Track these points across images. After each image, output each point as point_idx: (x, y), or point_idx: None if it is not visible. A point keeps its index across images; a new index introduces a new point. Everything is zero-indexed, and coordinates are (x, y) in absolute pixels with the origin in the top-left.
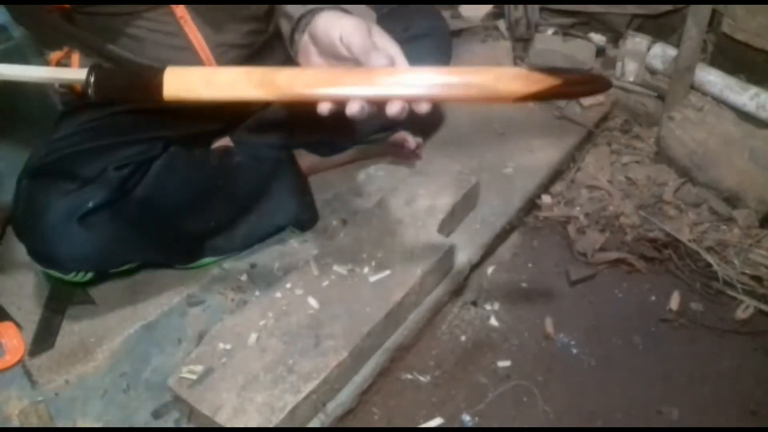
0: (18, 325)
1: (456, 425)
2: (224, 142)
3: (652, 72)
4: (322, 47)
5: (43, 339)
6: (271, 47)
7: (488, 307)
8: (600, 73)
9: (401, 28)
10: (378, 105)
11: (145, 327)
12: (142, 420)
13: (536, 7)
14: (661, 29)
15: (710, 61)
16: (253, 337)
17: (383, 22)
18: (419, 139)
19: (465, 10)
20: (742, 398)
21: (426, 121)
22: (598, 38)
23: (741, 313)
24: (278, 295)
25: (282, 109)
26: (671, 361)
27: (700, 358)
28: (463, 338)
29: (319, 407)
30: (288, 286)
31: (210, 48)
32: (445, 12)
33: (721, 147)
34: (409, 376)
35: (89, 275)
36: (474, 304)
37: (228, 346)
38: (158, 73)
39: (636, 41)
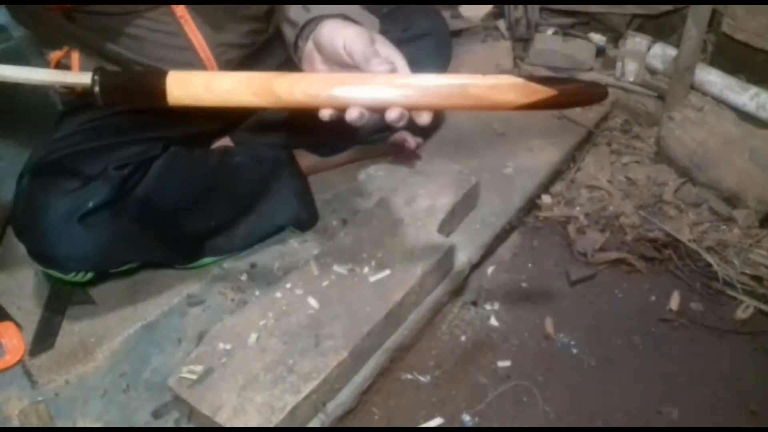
0: (18, 325)
1: (456, 425)
2: (224, 142)
3: (652, 72)
4: (326, 55)
5: (43, 339)
6: (271, 47)
7: (488, 307)
8: (597, 82)
9: (401, 28)
10: (377, 111)
11: (145, 327)
12: (142, 420)
13: (536, 7)
14: (661, 29)
15: (710, 61)
16: (253, 337)
17: (383, 22)
18: (419, 139)
19: (465, 10)
20: (742, 398)
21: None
22: (598, 38)
23: (741, 313)
24: (278, 295)
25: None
26: (671, 361)
27: (700, 358)
28: (463, 338)
29: (319, 407)
30: (288, 286)
31: (210, 48)
32: (445, 12)
33: (721, 147)
34: (409, 376)
35: (89, 275)
36: (474, 304)
37: (228, 346)
38: (161, 77)
39: (636, 41)
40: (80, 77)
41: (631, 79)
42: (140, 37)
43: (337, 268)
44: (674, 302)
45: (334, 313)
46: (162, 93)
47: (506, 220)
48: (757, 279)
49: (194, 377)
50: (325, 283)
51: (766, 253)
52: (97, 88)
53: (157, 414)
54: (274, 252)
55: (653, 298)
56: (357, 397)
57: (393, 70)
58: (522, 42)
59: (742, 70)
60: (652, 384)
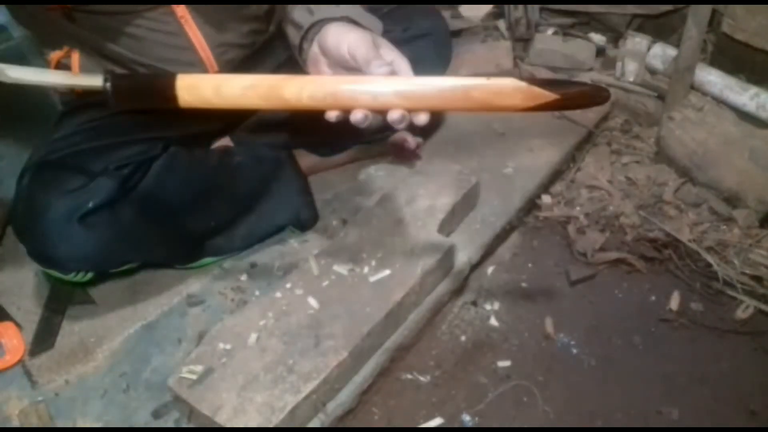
0: (18, 325)
1: (456, 425)
2: (224, 142)
3: (652, 72)
4: (331, 58)
5: (43, 339)
6: (270, 47)
7: (488, 307)
8: (599, 84)
9: (401, 28)
10: (383, 113)
11: (145, 327)
12: (142, 420)
13: (536, 7)
14: (661, 29)
15: (710, 61)
16: (253, 337)
17: (383, 21)
18: (419, 139)
19: (465, 10)
20: (742, 398)
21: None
22: (598, 38)
23: (741, 313)
24: (278, 295)
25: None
26: (671, 361)
27: (700, 358)
28: (463, 338)
29: (319, 407)
30: (288, 286)
31: (210, 48)
32: (445, 12)
33: (721, 147)
34: (409, 376)
35: (89, 275)
36: (474, 304)
37: (228, 346)
38: (171, 81)
39: (636, 41)
40: (92, 80)
41: (631, 79)
42: (140, 37)
43: (337, 268)
44: (674, 302)
45: (334, 313)
46: (173, 96)
47: (506, 220)
48: (757, 279)
49: (194, 377)
50: (325, 283)
51: (766, 253)
52: (109, 91)
53: (157, 414)
54: (274, 252)
55: (653, 298)
56: (357, 397)
57: (392, 71)
58: (522, 42)
59: (742, 70)
60: (652, 384)
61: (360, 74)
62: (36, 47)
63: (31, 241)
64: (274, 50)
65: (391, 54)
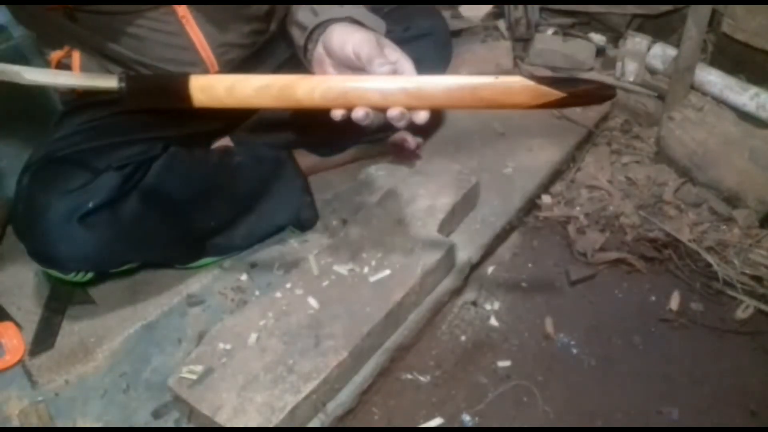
0: (18, 325)
1: (456, 425)
2: (224, 142)
3: (652, 72)
4: (336, 59)
5: (43, 339)
6: (271, 47)
7: (488, 307)
8: (605, 82)
9: (401, 27)
10: (382, 109)
11: (145, 327)
12: (142, 420)
13: (536, 7)
14: (661, 29)
15: (710, 61)
16: (253, 337)
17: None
18: (419, 139)
19: (465, 10)
20: (742, 398)
21: (427, 122)
22: (598, 38)
23: (741, 313)
24: (278, 295)
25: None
26: (671, 361)
27: (700, 358)
28: (463, 338)
29: (319, 407)
30: (288, 286)
31: (211, 48)
32: (445, 12)
33: (721, 147)
34: (409, 376)
35: (89, 275)
36: (474, 304)
37: (228, 346)
38: (185, 81)
39: (636, 41)
40: (107, 81)
41: (631, 79)
42: (142, 37)
43: (337, 268)
44: (674, 302)
45: (334, 313)
46: (187, 96)
47: (506, 220)
48: (757, 279)
49: (194, 377)
50: (325, 283)
51: (766, 253)
52: (125, 92)
53: (157, 414)
54: (274, 252)
55: (653, 298)
56: (357, 397)
57: (394, 70)
58: (522, 42)
59: (742, 70)
60: (652, 384)
61: (365, 74)
62: (36, 47)
63: (31, 240)
64: (275, 50)
65: (394, 54)
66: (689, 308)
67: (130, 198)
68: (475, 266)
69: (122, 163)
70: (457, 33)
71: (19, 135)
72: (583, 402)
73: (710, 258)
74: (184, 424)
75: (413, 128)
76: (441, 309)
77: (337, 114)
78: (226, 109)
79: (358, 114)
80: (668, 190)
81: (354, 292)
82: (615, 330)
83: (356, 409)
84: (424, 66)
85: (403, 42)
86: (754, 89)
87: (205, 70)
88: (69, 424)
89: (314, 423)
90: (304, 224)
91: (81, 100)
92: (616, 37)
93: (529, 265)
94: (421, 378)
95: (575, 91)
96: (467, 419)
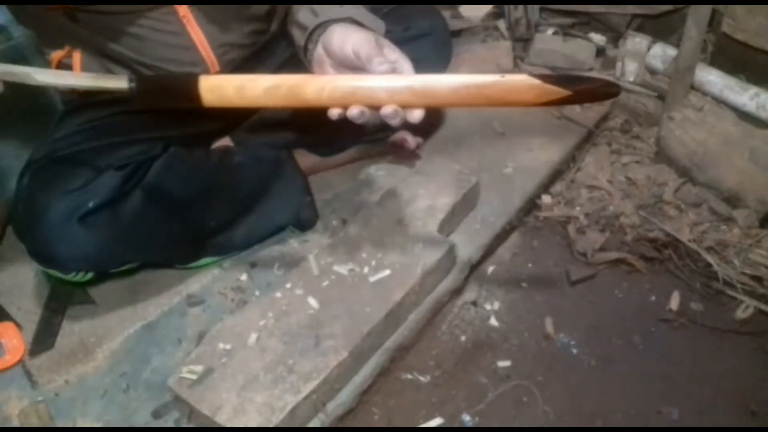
0: (18, 325)
1: (456, 425)
2: (224, 142)
3: (652, 72)
4: (335, 59)
5: (43, 339)
6: (271, 47)
7: (488, 307)
8: (608, 79)
9: (401, 27)
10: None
11: (145, 327)
12: (142, 420)
13: (536, 7)
14: (661, 29)
15: (710, 61)
16: (253, 337)
17: (383, 21)
18: (419, 139)
19: (465, 10)
20: (742, 398)
21: (426, 121)
22: (598, 38)
23: (741, 313)
24: (278, 295)
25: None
26: (671, 361)
27: (700, 358)
28: (463, 338)
29: (319, 407)
30: (288, 286)
31: (212, 48)
32: (445, 12)
33: (721, 147)
34: (409, 376)
35: (89, 275)
36: (474, 304)
37: (228, 346)
38: (195, 82)
39: (636, 41)
40: (117, 82)
41: (631, 79)
42: (142, 37)
43: (337, 268)
44: (674, 302)
45: (334, 313)
46: (196, 96)
47: (506, 220)
48: (757, 279)
49: (194, 377)
50: (325, 283)
51: (766, 253)
52: (135, 92)
53: (157, 414)
54: (274, 252)
55: (653, 298)
56: (357, 397)
57: (393, 69)
58: (522, 42)
59: (742, 70)
60: (652, 384)
61: (365, 74)
62: (36, 47)
63: (31, 240)
64: (275, 50)
65: (394, 54)
66: (689, 308)
67: (130, 198)
68: (475, 266)
69: (122, 163)
70: (457, 33)
71: (19, 135)
72: (583, 402)
73: (710, 258)
74: (184, 424)
75: (412, 128)
76: (441, 309)
77: (334, 113)
78: (234, 108)
79: (353, 112)
80: (668, 190)
81: (354, 292)
82: (615, 330)
83: (356, 409)
84: (423, 66)
85: (402, 42)
86: (754, 89)
87: (206, 70)
88: (69, 424)
89: (314, 423)
90: (304, 224)
91: (81, 99)
92: (616, 37)
93: (529, 265)
94: (421, 378)
95: (580, 89)
96: (467, 419)
